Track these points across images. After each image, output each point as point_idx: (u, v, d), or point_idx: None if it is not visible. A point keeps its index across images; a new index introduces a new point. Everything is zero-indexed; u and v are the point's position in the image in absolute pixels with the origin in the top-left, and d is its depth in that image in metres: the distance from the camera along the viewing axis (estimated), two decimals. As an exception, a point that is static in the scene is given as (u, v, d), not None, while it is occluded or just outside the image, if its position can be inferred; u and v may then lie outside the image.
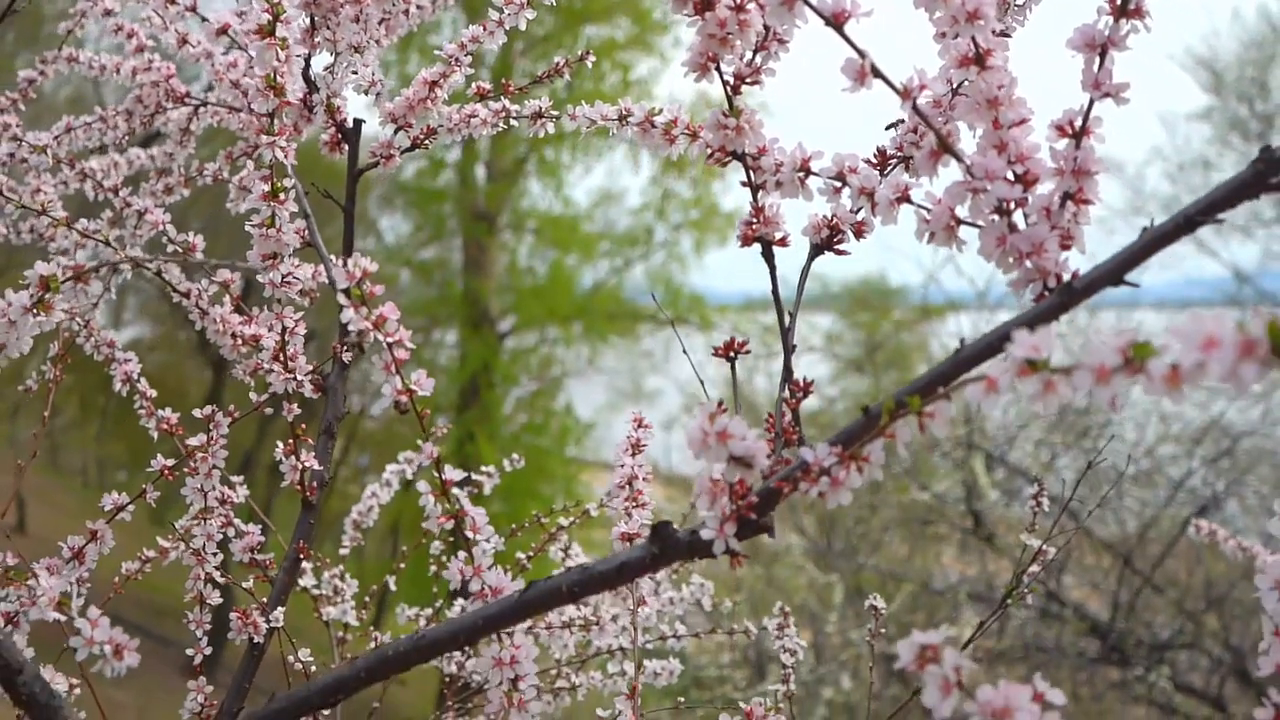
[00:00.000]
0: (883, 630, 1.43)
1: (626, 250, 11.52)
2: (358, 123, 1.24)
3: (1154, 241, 0.65)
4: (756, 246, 0.91)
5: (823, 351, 10.40)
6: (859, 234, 0.87)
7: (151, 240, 1.39)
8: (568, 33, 10.74)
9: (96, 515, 1.14)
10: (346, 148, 1.24)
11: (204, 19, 1.24)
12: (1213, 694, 6.05)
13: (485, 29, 1.20)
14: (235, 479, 1.19)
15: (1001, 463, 7.28)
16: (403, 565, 1.73)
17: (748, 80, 0.83)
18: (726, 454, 0.69)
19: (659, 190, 11.35)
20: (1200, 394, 7.78)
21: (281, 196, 0.99)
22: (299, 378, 1.12)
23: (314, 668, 1.28)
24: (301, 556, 1.20)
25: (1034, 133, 0.73)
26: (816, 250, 0.89)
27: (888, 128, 0.88)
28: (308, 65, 1.20)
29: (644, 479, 1.09)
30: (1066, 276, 0.70)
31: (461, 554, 0.84)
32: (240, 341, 1.22)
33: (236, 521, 1.21)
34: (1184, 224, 0.63)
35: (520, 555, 1.60)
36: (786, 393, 0.85)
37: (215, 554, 1.13)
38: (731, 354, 0.90)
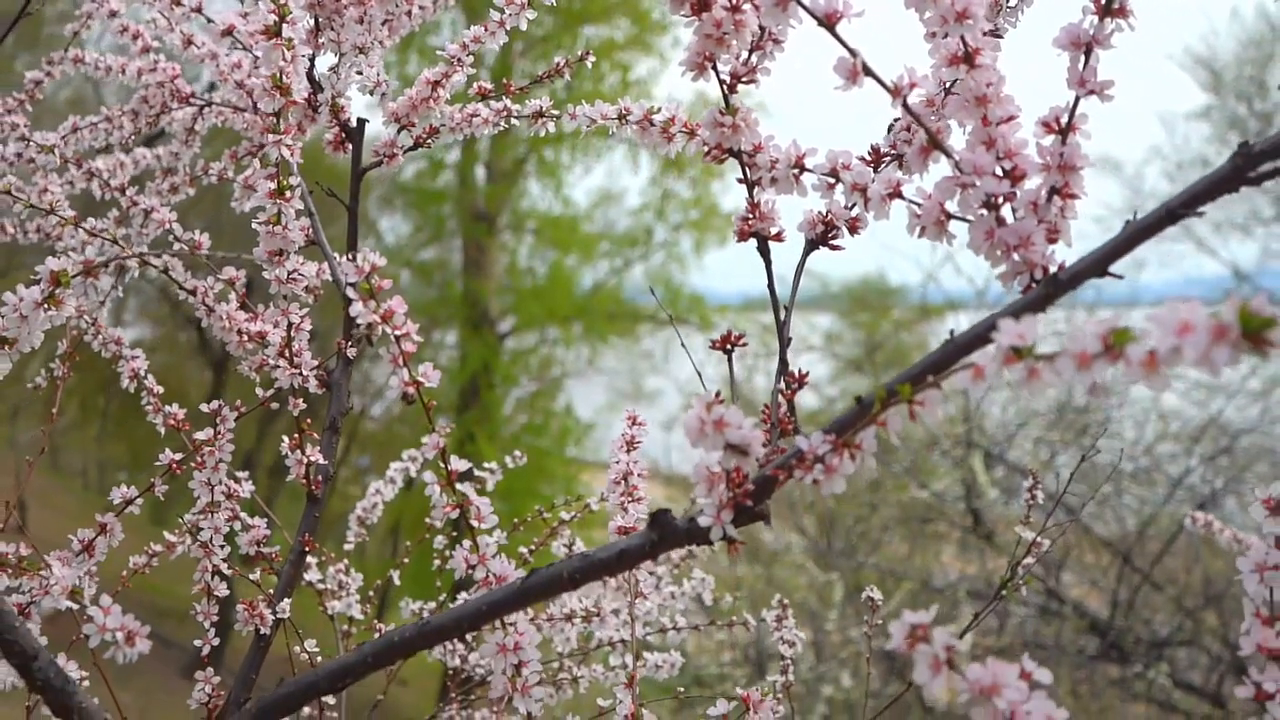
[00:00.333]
0: (879, 622, 1.45)
1: (626, 251, 11.55)
2: (361, 122, 1.26)
3: (1137, 234, 0.67)
4: (753, 243, 0.93)
5: (822, 351, 10.41)
6: (853, 229, 0.89)
7: (157, 239, 1.41)
8: (567, 33, 10.76)
9: (97, 516, 1.16)
10: (350, 147, 1.26)
11: (209, 20, 1.25)
12: (1211, 690, 6.06)
13: (487, 29, 1.22)
14: (241, 474, 1.21)
15: (1000, 461, 7.30)
16: (406, 560, 1.75)
17: (743, 80, 0.85)
18: (723, 442, 0.71)
19: (658, 190, 11.38)
20: (1199, 392, 7.81)
21: (287, 194, 1.01)
22: (304, 373, 1.14)
23: (319, 658, 1.30)
24: (307, 550, 1.22)
25: (1022, 129, 0.75)
26: (811, 246, 0.91)
27: (889, 128, 0.90)
28: (312, 65, 1.22)
29: (639, 475, 1.11)
30: (1053, 269, 0.72)
31: (466, 543, 0.86)
32: (246, 338, 1.24)
33: (243, 515, 1.23)
34: (1165, 216, 0.65)
35: (523, 550, 1.62)
36: (782, 384, 0.86)
37: (222, 546, 1.15)
38: (729, 347, 0.92)
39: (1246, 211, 8.73)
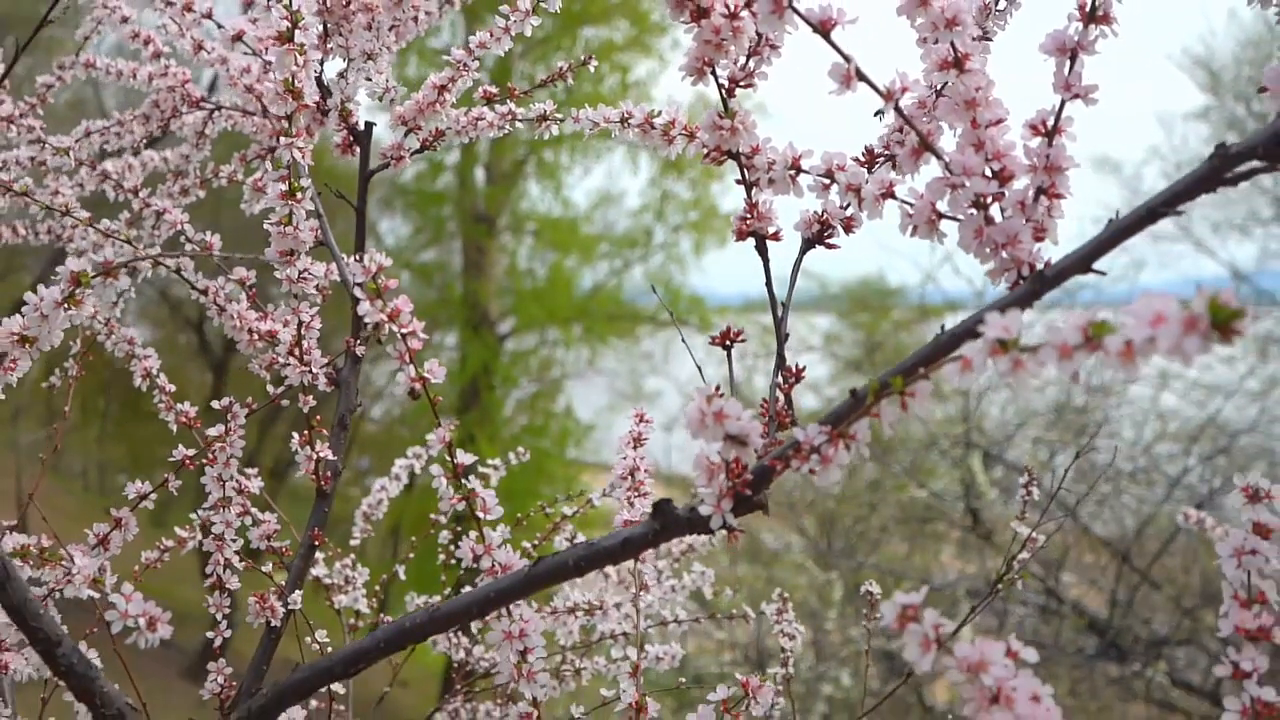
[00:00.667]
0: (878, 617, 1.47)
1: (626, 252, 11.58)
2: (369, 125, 1.29)
3: (1119, 232, 0.70)
4: (752, 243, 0.96)
5: (822, 352, 10.44)
6: (848, 229, 0.92)
7: (169, 240, 1.44)
8: (566, 35, 10.79)
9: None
10: (358, 150, 1.29)
11: (220, 25, 1.28)
12: (1210, 689, 6.09)
13: (492, 35, 1.25)
14: (250, 470, 1.24)
15: (999, 461, 7.32)
16: (411, 555, 1.77)
17: (741, 84, 0.88)
18: (723, 433, 0.74)
19: (658, 192, 11.41)
20: (1198, 392, 7.84)
21: (299, 196, 1.04)
22: (314, 371, 1.17)
23: (330, 649, 1.33)
24: (316, 544, 1.25)
25: (1010, 131, 0.78)
26: (808, 244, 0.94)
27: (876, 114, 0.93)
28: (320, 70, 1.25)
29: (645, 470, 1.14)
30: (1040, 265, 0.74)
31: (473, 533, 0.89)
32: (256, 336, 1.27)
33: (254, 511, 1.25)
34: (1146, 215, 0.68)
35: (526, 545, 1.65)
36: (780, 379, 0.89)
37: (234, 540, 1.18)
38: (728, 343, 0.95)
39: (1245, 212, 8.76)
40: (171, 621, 0.83)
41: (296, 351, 1.17)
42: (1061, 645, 6.52)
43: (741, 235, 0.93)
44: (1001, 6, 0.98)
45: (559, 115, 1.26)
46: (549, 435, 11.09)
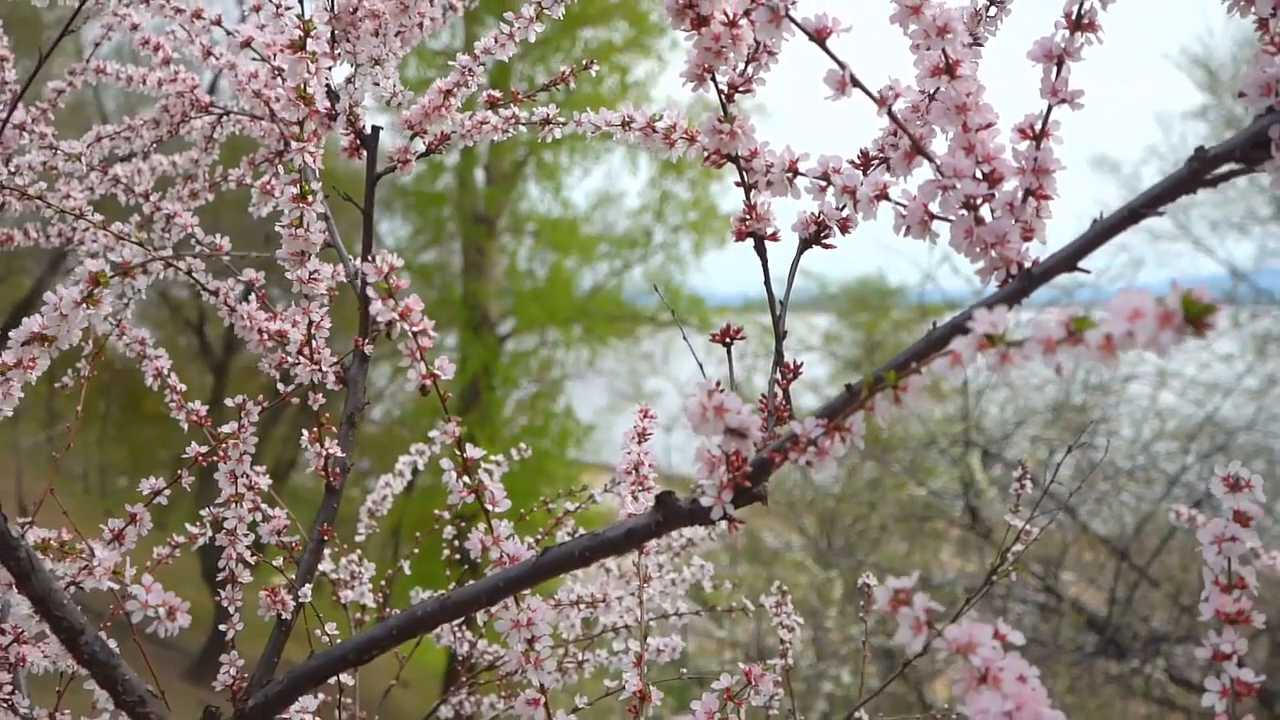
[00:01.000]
0: (874, 607, 1.50)
1: (625, 252, 11.60)
2: (376, 129, 1.31)
3: (1103, 232, 0.72)
4: (751, 243, 0.99)
5: (821, 351, 10.47)
6: (844, 229, 0.94)
7: (179, 242, 1.47)
8: (565, 36, 10.81)
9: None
10: (365, 153, 1.32)
11: (229, 32, 1.31)
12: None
13: (496, 41, 1.28)
14: (259, 468, 1.26)
15: (998, 459, 7.35)
16: (416, 550, 1.80)
17: (740, 90, 0.91)
18: (723, 426, 0.77)
19: (657, 192, 11.43)
20: (1196, 391, 7.87)
21: (310, 198, 1.07)
22: (324, 369, 1.20)
23: (339, 640, 1.36)
24: (325, 539, 1.28)
25: (999, 135, 0.81)
26: (805, 244, 0.97)
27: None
28: (329, 76, 1.28)
29: (649, 465, 1.16)
30: (1028, 264, 0.77)
31: (481, 525, 0.92)
32: (266, 336, 1.30)
33: (264, 507, 1.28)
34: (1129, 216, 0.71)
35: (529, 539, 1.68)
36: (778, 375, 0.92)
37: (246, 534, 1.20)
38: (728, 340, 0.97)
39: (1243, 210, 8.78)
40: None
41: (307, 350, 1.19)
42: (1061, 643, 6.54)
43: (741, 236, 0.96)
44: (992, 12, 1.01)
45: (562, 119, 1.29)
46: (549, 436, 11.10)
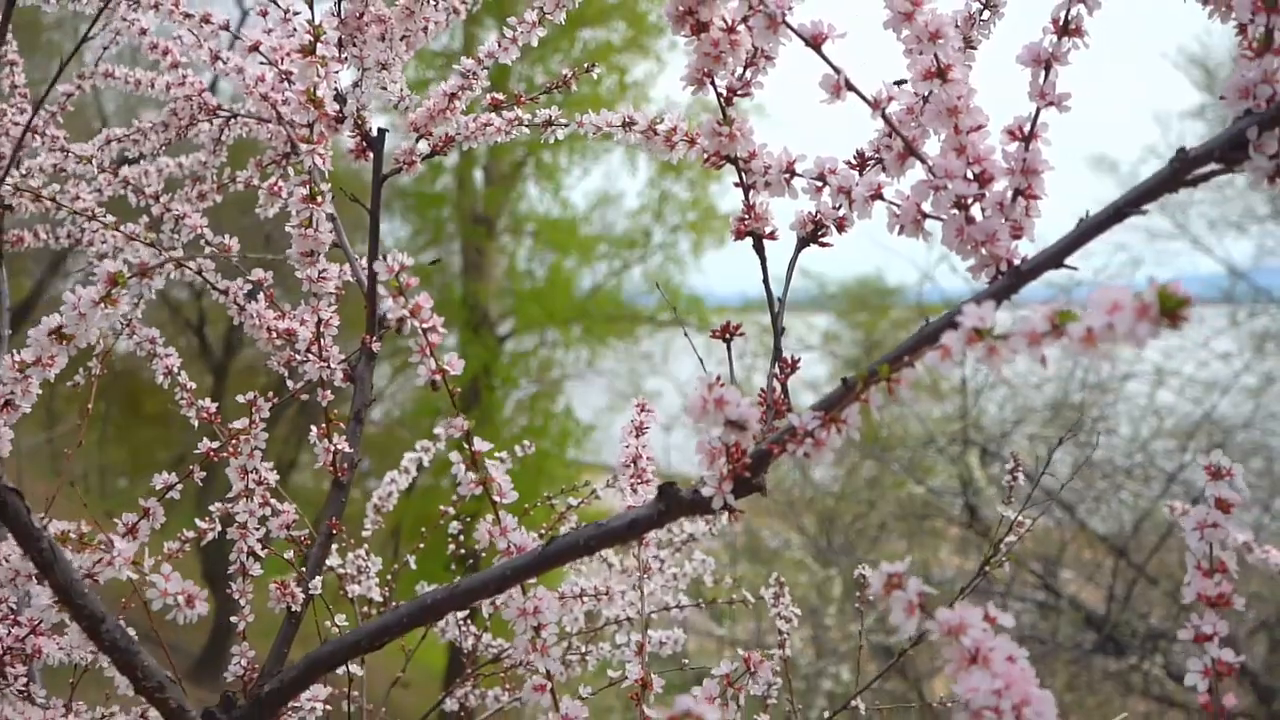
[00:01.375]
0: (872, 600, 1.53)
1: (625, 252, 11.62)
2: (382, 132, 1.34)
3: (1090, 230, 0.75)
4: (750, 244, 1.02)
5: (821, 351, 10.50)
6: (840, 228, 0.97)
7: (187, 243, 1.50)
8: (564, 36, 10.83)
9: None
10: (371, 155, 1.35)
11: (237, 37, 1.34)
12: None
13: (500, 45, 1.31)
14: (266, 465, 1.29)
15: (997, 457, 7.38)
16: (421, 545, 1.83)
17: (739, 93, 0.94)
18: (723, 419, 0.80)
19: (656, 192, 11.45)
20: (1195, 389, 7.90)
21: (319, 200, 1.09)
22: (332, 366, 1.22)
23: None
24: (334, 533, 1.30)
25: (990, 137, 0.84)
26: (803, 243, 1.00)
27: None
28: (336, 79, 1.30)
29: (648, 458, 1.19)
30: (1017, 261, 0.80)
31: (489, 517, 0.95)
32: (274, 335, 1.33)
33: (273, 502, 1.31)
34: (1114, 214, 0.74)
35: (533, 533, 1.70)
36: (776, 369, 0.95)
37: (257, 529, 1.23)
38: (728, 336, 1.00)
39: (1241, 209, 8.80)
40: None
41: (315, 348, 1.22)
42: (1059, 640, 6.57)
43: (740, 235, 0.98)
44: (985, 16, 1.04)
45: (564, 121, 1.32)
46: (549, 436, 11.12)
